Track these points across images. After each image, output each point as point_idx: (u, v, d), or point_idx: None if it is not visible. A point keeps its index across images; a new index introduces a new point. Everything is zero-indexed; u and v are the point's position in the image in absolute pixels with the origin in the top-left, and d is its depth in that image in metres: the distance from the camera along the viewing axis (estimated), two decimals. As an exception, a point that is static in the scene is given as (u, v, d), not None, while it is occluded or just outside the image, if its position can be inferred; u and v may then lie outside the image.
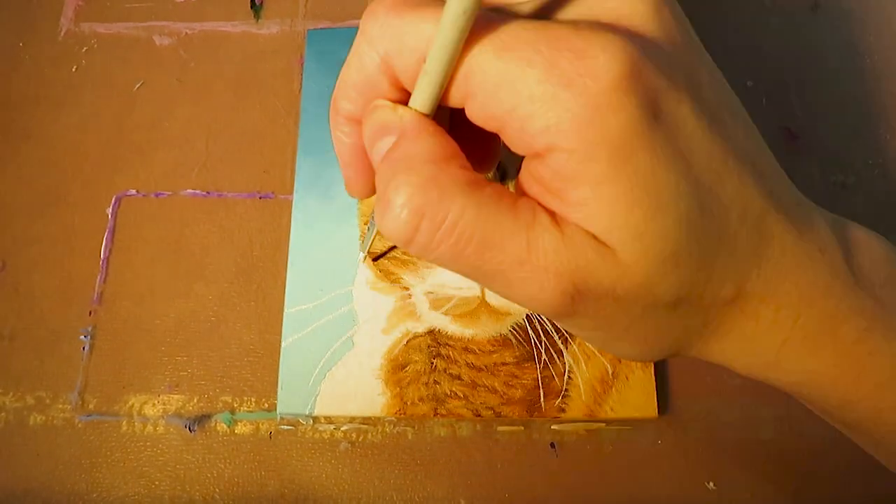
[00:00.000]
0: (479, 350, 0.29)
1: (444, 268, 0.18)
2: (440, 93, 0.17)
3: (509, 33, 0.15)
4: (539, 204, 0.17)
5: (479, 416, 0.29)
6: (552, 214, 0.16)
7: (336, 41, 0.35)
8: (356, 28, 0.36)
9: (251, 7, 0.38)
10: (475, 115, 0.17)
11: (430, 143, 0.17)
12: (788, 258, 0.18)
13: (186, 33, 0.37)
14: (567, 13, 0.17)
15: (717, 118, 0.17)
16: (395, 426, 0.30)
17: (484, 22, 0.16)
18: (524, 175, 0.17)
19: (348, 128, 0.20)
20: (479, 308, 0.30)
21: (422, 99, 0.17)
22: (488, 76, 0.15)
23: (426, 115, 0.18)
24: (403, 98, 0.18)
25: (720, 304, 0.18)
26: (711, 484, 0.29)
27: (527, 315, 0.30)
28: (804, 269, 0.18)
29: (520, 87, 0.15)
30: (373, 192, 0.21)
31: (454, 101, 0.17)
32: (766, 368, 0.19)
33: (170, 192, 0.34)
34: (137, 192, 0.34)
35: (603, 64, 0.15)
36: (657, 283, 0.16)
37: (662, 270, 0.16)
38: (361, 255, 0.31)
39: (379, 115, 0.18)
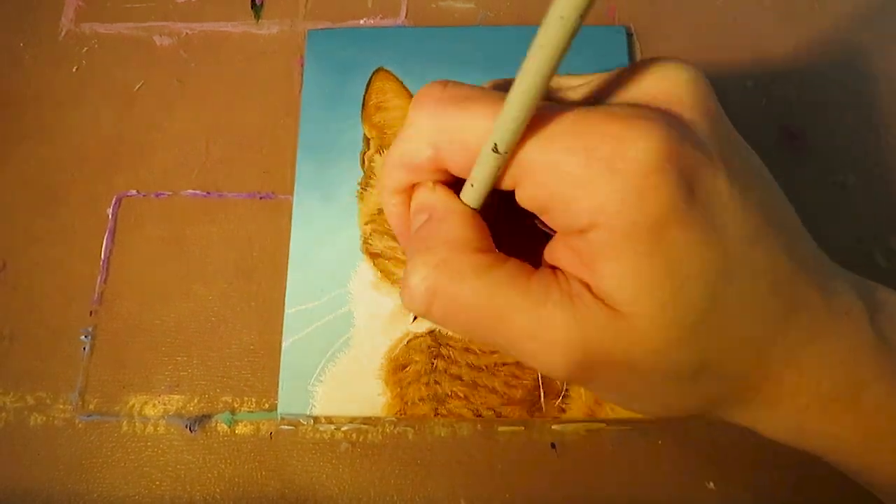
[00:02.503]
0: (480, 350, 0.29)
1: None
2: (492, 183, 0.18)
3: (552, 123, 0.17)
4: (558, 276, 0.18)
5: (480, 416, 0.29)
6: (567, 288, 0.17)
7: (336, 42, 0.35)
8: (356, 28, 0.36)
9: (251, 7, 0.38)
10: (523, 199, 0.18)
11: (453, 226, 0.19)
12: (815, 323, 0.18)
13: (186, 33, 0.37)
14: (610, 96, 0.18)
15: (749, 186, 0.17)
16: (395, 426, 0.30)
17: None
18: (557, 244, 0.18)
19: (396, 198, 0.21)
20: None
21: (472, 193, 0.19)
22: (535, 165, 0.17)
23: (458, 199, 0.19)
24: (450, 179, 0.19)
25: (744, 372, 0.18)
26: (711, 484, 0.29)
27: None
28: (829, 333, 0.18)
29: (563, 173, 0.16)
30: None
31: (506, 186, 0.18)
32: (788, 433, 0.20)
33: (170, 193, 0.34)
34: (138, 192, 0.34)
35: (641, 148, 0.16)
36: (674, 352, 0.17)
37: (681, 340, 0.17)
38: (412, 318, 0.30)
39: (419, 195, 0.20)
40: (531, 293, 0.17)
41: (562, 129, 0.16)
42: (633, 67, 0.18)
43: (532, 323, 0.17)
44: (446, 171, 0.19)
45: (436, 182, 0.20)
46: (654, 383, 0.18)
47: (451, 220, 0.19)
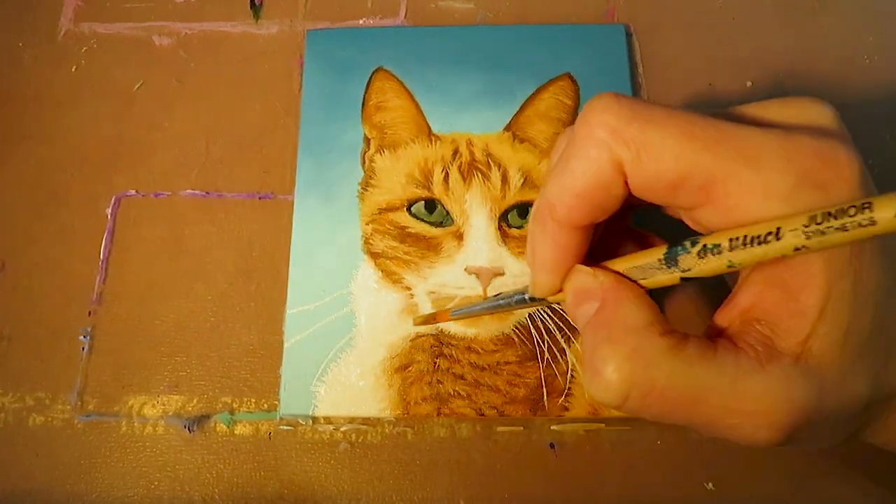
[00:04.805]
0: (482, 349, 0.29)
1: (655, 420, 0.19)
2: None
3: (753, 143, 0.17)
4: (739, 344, 0.18)
5: (483, 415, 0.29)
6: (755, 354, 0.17)
7: (335, 42, 0.35)
8: (355, 28, 0.36)
9: (251, 7, 0.38)
10: (710, 219, 0.18)
11: (632, 311, 0.18)
12: None
13: (186, 33, 0.37)
14: (777, 114, 0.19)
15: None
16: (394, 427, 0.30)
17: (721, 130, 0.17)
18: (754, 281, 0.19)
19: (560, 234, 0.20)
20: (481, 308, 0.30)
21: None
22: (742, 184, 0.17)
23: (625, 279, 0.19)
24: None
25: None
26: (711, 484, 0.29)
27: (529, 314, 0.30)
28: None
29: (774, 190, 0.16)
30: (557, 290, 0.22)
31: (680, 205, 0.18)
32: None
33: (169, 193, 0.34)
34: (137, 192, 0.34)
35: (848, 168, 0.17)
36: (852, 379, 0.17)
37: (856, 364, 0.17)
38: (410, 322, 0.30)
39: (580, 280, 0.20)
40: (722, 367, 0.17)
41: (765, 149, 0.17)
42: (781, 101, 0.19)
43: (729, 399, 0.17)
44: (624, 194, 0.19)
45: (594, 266, 0.20)
46: (835, 421, 0.18)
47: (628, 304, 0.19)
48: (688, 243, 0.18)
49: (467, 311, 0.28)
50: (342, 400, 0.29)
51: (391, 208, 0.32)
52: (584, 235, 0.20)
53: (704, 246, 0.17)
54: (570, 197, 0.19)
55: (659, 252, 0.19)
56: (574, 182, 0.18)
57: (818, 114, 0.18)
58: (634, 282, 0.20)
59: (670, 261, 0.18)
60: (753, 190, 0.17)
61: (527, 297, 0.23)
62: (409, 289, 0.30)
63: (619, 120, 0.17)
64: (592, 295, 0.19)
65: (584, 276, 0.20)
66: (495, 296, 0.26)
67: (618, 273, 0.20)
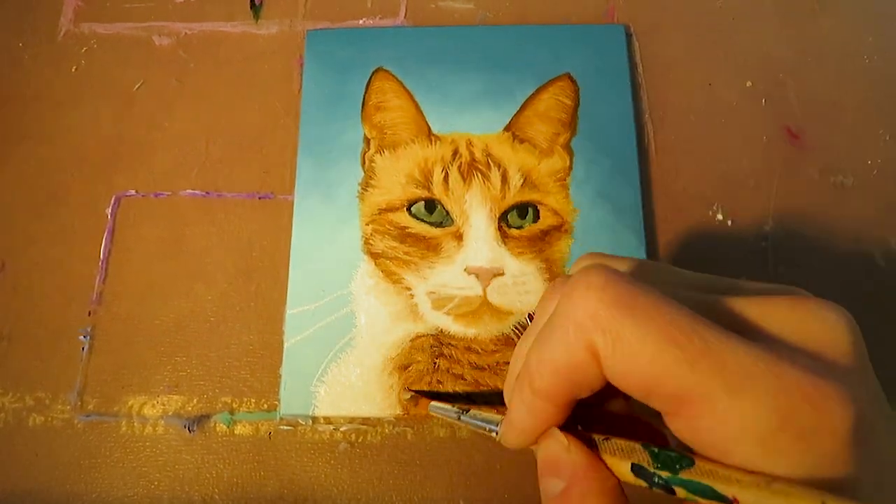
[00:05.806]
0: (482, 350, 0.29)
1: None
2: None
3: (739, 364, 0.15)
4: None
5: (482, 416, 0.29)
6: None
7: (335, 42, 0.35)
8: (355, 28, 0.36)
9: (251, 7, 0.38)
10: (680, 432, 0.16)
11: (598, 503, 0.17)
12: None
13: (186, 33, 0.37)
14: (770, 324, 0.17)
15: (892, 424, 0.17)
16: (394, 427, 0.30)
17: (706, 340, 0.16)
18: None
19: (538, 404, 0.19)
20: (481, 308, 0.30)
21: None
22: (717, 411, 0.15)
23: (597, 461, 0.18)
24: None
25: None
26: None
27: (529, 314, 0.30)
28: None
29: (751, 429, 0.15)
30: (528, 444, 0.21)
31: (652, 405, 0.17)
32: None
33: (169, 192, 0.34)
34: (137, 192, 0.34)
35: (839, 419, 0.15)
36: None
37: None
38: (408, 394, 0.29)
39: (551, 449, 0.18)
40: None
41: (750, 377, 0.15)
42: (792, 301, 0.17)
43: None
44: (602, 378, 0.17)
45: (570, 438, 0.18)
46: None
47: (595, 495, 0.17)
48: (653, 468, 0.17)
49: (443, 413, 0.27)
50: (342, 400, 0.29)
51: (391, 208, 0.32)
52: (564, 408, 0.19)
53: (666, 482, 0.16)
54: (548, 372, 0.18)
55: (632, 456, 0.18)
56: (552, 358, 0.18)
57: (829, 330, 0.16)
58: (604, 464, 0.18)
59: (636, 471, 0.17)
60: (728, 421, 0.15)
61: (497, 435, 0.22)
62: (409, 289, 0.30)
63: (600, 305, 0.16)
64: (561, 471, 0.18)
65: (557, 446, 0.18)
66: (471, 412, 0.25)
67: (593, 450, 0.18)
